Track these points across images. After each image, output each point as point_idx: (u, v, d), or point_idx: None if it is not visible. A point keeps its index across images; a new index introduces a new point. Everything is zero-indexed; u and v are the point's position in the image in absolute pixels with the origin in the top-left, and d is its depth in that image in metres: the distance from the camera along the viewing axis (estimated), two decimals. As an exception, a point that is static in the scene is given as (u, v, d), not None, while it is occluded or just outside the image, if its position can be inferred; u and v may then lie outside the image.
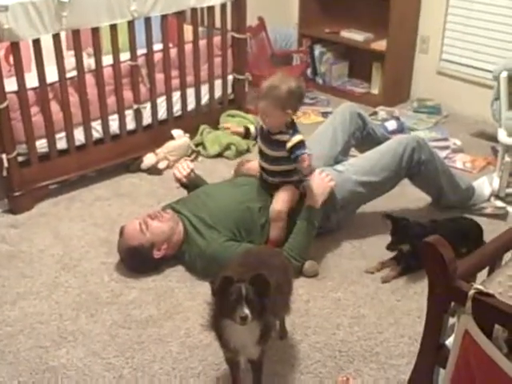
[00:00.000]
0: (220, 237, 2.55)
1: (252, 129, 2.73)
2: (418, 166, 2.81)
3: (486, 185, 3.09)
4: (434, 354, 1.53)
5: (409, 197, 3.13)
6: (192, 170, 2.88)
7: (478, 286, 1.34)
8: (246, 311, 1.69)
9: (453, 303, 1.45)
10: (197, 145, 3.69)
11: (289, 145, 2.52)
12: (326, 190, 2.65)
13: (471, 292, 1.32)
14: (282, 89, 2.46)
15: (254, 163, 2.86)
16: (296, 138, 2.52)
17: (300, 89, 2.53)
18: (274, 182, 2.67)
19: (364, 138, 3.10)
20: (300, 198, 2.67)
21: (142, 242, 2.56)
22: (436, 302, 1.46)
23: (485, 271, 1.65)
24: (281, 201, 2.61)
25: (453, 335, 1.45)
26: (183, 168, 2.87)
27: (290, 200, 2.63)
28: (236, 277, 1.77)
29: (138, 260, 2.60)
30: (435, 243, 1.37)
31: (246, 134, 2.74)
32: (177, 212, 2.70)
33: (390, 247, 2.61)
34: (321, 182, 2.64)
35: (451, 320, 1.53)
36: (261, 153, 2.67)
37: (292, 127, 2.56)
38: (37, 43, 2.94)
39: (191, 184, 2.89)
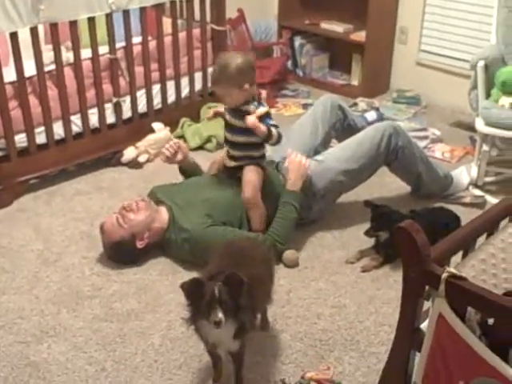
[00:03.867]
0: (207, 221, 2.56)
1: None
2: (395, 152, 2.84)
3: (464, 174, 3.13)
4: (410, 337, 1.55)
5: (388, 186, 3.16)
6: (180, 149, 2.83)
7: (451, 269, 1.36)
8: (220, 315, 1.69)
9: (427, 287, 1.46)
10: (178, 138, 3.68)
11: (253, 115, 2.52)
12: (304, 171, 2.67)
13: (444, 275, 1.34)
14: (231, 67, 2.47)
15: (218, 158, 2.87)
16: (261, 110, 2.53)
17: (248, 61, 2.53)
18: (237, 162, 2.65)
19: (344, 130, 3.12)
20: (266, 177, 2.67)
21: (123, 235, 2.56)
22: (410, 286, 1.48)
23: (459, 256, 1.67)
24: (248, 187, 2.60)
25: (428, 319, 1.47)
26: (171, 146, 2.82)
27: (257, 182, 2.62)
28: (206, 278, 1.78)
29: (123, 253, 2.61)
30: (408, 228, 1.39)
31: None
32: (163, 200, 2.71)
33: (367, 233, 2.63)
34: (297, 165, 2.66)
35: (426, 304, 1.55)
36: (227, 125, 2.66)
37: (257, 100, 2.58)
38: (14, 37, 2.92)
39: (188, 171, 2.89)
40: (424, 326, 1.52)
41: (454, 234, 1.56)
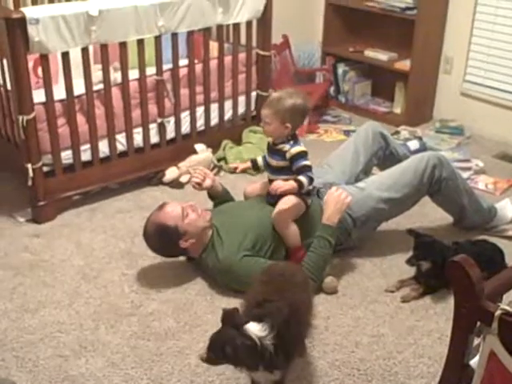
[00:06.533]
0: (240, 252, 2.54)
1: (259, 160, 2.83)
2: (439, 183, 2.80)
3: (508, 207, 3.06)
4: (459, 373, 1.51)
5: (430, 216, 3.12)
6: (206, 175, 2.86)
7: (504, 306, 1.33)
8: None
9: (478, 323, 1.43)
10: (219, 160, 3.71)
11: (287, 155, 2.59)
12: (342, 207, 2.61)
13: (498, 312, 1.31)
14: (287, 102, 2.55)
15: (254, 185, 2.89)
16: (295, 149, 2.58)
17: (304, 107, 2.60)
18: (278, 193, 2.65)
19: (386, 158, 3.10)
20: (307, 210, 2.67)
21: (177, 226, 2.56)
22: (462, 322, 1.45)
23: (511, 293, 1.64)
24: (278, 209, 2.60)
25: (477, 355, 1.44)
26: (199, 173, 2.86)
27: (289, 207, 2.59)
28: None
29: (162, 240, 2.60)
30: (462, 262, 1.36)
31: (254, 166, 2.86)
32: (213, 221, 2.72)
33: (409, 262, 2.59)
34: (337, 200, 2.61)
35: (476, 340, 1.52)
36: (267, 164, 2.74)
37: (293, 139, 2.62)
38: (66, 56, 2.99)
39: (217, 196, 2.92)
40: (474, 362, 1.49)
41: (506, 271, 1.53)
